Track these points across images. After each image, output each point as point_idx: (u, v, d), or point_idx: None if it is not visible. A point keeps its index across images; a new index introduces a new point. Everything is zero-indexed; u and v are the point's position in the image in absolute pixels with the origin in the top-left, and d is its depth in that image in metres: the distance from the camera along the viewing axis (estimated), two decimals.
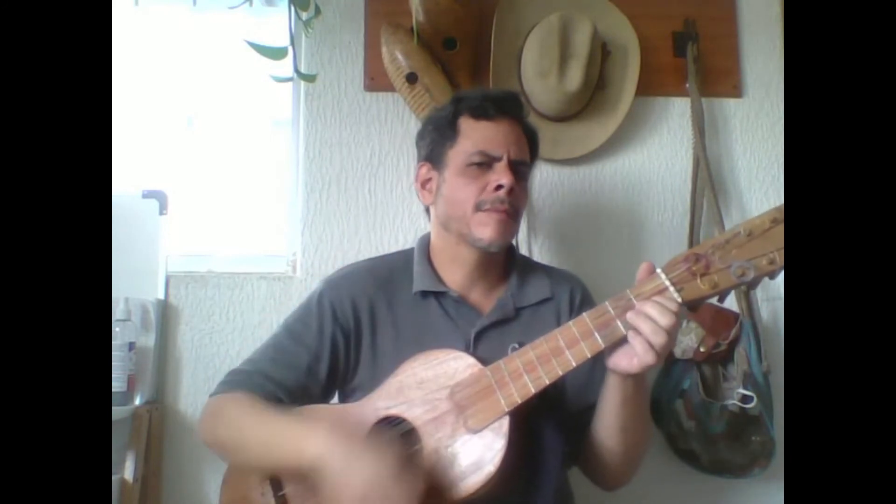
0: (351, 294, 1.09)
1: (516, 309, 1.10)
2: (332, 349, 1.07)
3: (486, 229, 1.06)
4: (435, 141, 1.14)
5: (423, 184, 1.16)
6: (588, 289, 1.19)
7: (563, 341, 0.88)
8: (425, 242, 1.17)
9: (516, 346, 0.93)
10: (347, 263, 1.26)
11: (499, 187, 1.06)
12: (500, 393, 0.88)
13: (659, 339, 0.84)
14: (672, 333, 0.84)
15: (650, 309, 0.85)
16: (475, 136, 1.09)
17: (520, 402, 0.88)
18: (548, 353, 0.89)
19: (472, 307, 1.10)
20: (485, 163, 1.08)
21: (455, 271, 1.12)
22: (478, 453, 0.87)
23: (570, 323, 0.90)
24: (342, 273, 1.17)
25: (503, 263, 1.16)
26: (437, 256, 1.14)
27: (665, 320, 0.84)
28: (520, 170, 1.10)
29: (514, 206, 1.08)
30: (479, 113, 1.10)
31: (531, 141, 1.16)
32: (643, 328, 0.84)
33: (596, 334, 0.87)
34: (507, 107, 1.12)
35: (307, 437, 0.87)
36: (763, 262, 0.83)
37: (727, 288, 0.85)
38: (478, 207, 1.07)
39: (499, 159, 1.07)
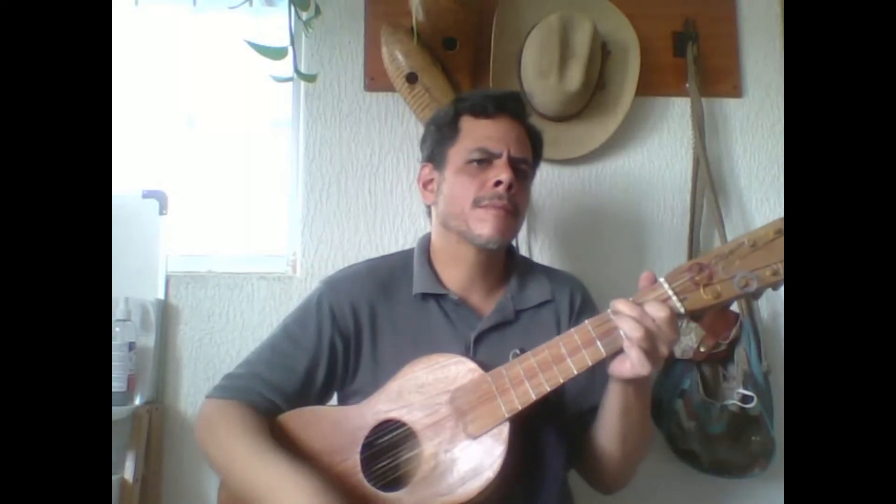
0: (350, 297, 1.08)
1: (516, 312, 1.10)
2: (331, 353, 1.06)
3: (484, 225, 1.05)
4: (436, 141, 1.14)
5: (426, 184, 1.16)
6: (588, 291, 1.19)
7: (564, 349, 0.88)
8: (425, 243, 1.17)
9: (518, 351, 0.93)
10: (347, 263, 1.25)
11: (497, 183, 1.05)
12: (501, 399, 0.88)
13: (636, 333, 0.83)
14: (652, 329, 0.84)
15: (620, 306, 0.86)
16: (475, 133, 1.10)
17: (520, 408, 0.87)
18: (549, 360, 0.88)
19: (472, 310, 1.10)
20: (484, 160, 1.07)
21: (455, 272, 1.11)
22: (477, 459, 0.87)
23: (573, 330, 0.89)
24: (342, 275, 1.15)
25: (503, 265, 1.15)
26: (437, 257, 1.14)
27: (635, 312, 0.84)
28: (520, 168, 1.09)
29: (513, 203, 1.07)
30: (479, 111, 1.11)
31: (534, 142, 1.16)
32: (620, 324, 0.86)
33: (598, 342, 0.87)
34: (507, 105, 1.12)
35: (289, 496, 0.84)
36: (766, 273, 0.83)
37: (730, 298, 0.85)
38: (476, 203, 1.06)
39: (498, 156, 1.07)
